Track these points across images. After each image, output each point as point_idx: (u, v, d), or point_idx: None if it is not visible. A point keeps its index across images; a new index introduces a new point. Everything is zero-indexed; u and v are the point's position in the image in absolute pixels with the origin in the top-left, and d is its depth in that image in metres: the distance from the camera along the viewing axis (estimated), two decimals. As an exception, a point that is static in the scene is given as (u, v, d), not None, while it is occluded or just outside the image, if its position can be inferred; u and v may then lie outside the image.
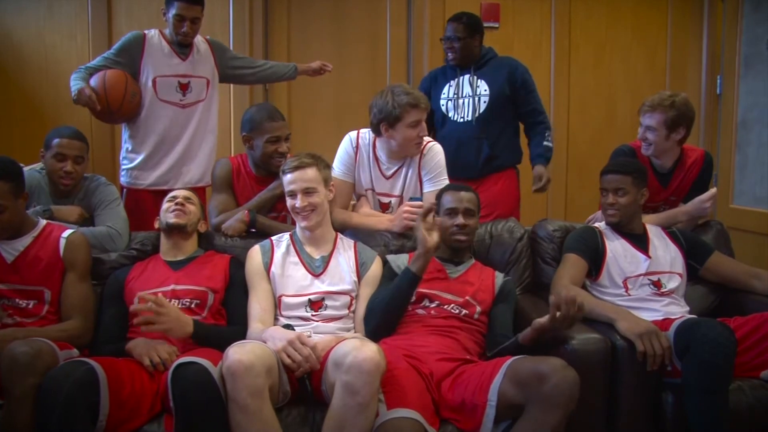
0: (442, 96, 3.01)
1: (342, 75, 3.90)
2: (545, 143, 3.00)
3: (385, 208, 2.60)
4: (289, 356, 1.82)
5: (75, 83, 2.63)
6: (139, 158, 2.84)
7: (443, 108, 3.00)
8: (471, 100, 2.96)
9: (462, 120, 2.96)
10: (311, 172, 2.14)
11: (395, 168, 2.54)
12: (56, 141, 2.38)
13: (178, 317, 1.96)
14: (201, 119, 2.90)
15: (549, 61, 4.04)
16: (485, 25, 3.16)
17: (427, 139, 2.55)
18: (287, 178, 2.16)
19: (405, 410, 1.73)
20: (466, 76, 2.98)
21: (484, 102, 2.95)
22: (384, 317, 2.09)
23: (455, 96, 2.98)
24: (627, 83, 4.11)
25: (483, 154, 2.95)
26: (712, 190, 2.50)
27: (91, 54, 3.53)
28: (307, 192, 2.13)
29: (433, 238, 2.01)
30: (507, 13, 3.97)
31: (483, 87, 2.95)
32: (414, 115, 2.40)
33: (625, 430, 1.98)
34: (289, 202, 2.18)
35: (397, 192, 2.56)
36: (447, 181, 2.51)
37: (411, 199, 2.54)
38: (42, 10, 3.64)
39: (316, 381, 1.89)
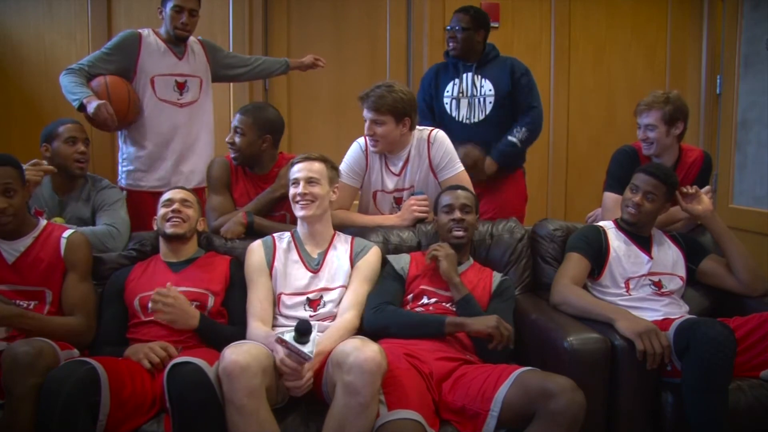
0: (446, 94, 2.96)
1: (341, 75, 3.90)
2: (509, 137, 2.89)
3: (399, 203, 2.60)
4: (286, 366, 1.81)
5: (78, 91, 2.58)
6: (140, 160, 2.83)
7: (447, 107, 2.95)
8: (475, 100, 2.92)
9: (468, 122, 2.92)
10: (318, 165, 2.19)
11: (402, 163, 2.54)
12: (62, 128, 2.43)
13: (185, 309, 1.99)
14: (198, 119, 2.89)
15: (549, 61, 4.03)
16: (485, 24, 3.13)
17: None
18: (294, 168, 2.20)
19: (406, 411, 1.73)
20: (469, 74, 2.93)
21: (490, 103, 2.90)
22: (394, 334, 2.06)
23: (459, 95, 2.94)
24: (627, 83, 4.11)
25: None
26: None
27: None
28: (311, 181, 2.16)
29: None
30: (507, 13, 3.96)
31: (487, 87, 2.91)
32: None
33: (624, 429, 1.98)
34: (291, 191, 2.20)
35: (407, 185, 2.56)
36: (461, 166, 2.53)
37: (414, 194, 2.56)
38: (42, 9, 3.63)
39: (316, 382, 1.89)
